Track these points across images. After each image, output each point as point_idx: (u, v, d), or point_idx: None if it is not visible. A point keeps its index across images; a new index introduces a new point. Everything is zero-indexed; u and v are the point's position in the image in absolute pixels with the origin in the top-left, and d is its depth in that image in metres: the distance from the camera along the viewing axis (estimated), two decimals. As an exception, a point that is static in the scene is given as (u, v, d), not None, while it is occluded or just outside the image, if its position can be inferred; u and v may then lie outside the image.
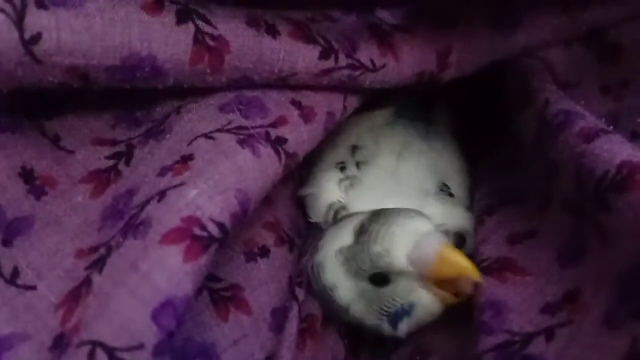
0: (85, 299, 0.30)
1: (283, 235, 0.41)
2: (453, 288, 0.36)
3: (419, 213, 0.38)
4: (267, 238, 0.39)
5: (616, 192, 0.29)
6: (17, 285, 0.32)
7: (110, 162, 0.37)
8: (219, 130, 0.35)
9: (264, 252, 0.39)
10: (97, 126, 0.39)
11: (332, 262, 0.38)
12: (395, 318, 0.37)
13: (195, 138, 0.35)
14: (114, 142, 0.38)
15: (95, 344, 0.27)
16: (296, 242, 0.42)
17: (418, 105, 0.50)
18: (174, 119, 0.37)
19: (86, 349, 0.27)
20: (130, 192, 0.34)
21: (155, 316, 0.27)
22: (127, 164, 0.37)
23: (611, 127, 0.33)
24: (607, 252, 0.30)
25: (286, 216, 0.43)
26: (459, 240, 0.42)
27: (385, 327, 0.38)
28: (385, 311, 0.37)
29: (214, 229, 0.30)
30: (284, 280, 0.39)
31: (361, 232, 0.37)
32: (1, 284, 0.32)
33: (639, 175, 0.28)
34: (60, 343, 0.30)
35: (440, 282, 0.36)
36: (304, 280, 0.40)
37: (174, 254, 0.29)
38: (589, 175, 0.31)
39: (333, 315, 0.41)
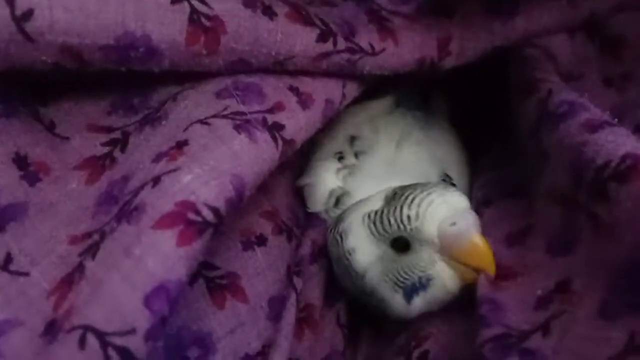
0: (78, 285, 0.30)
1: (281, 224, 0.41)
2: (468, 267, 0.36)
3: (457, 189, 0.37)
4: (265, 227, 0.39)
5: (617, 182, 0.29)
6: (10, 272, 0.31)
7: (106, 149, 0.37)
8: (214, 116, 0.34)
9: (262, 240, 0.38)
10: (93, 113, 0.38)
11: (357, 225, 0.38)
12: (411, 290, 0.37)
13: (191, 124, 0.34)
14: (110, 129, 0.38)
15: (86, 328, 0.27)
16: (294, 231, 0.42)
17: (417, 96, 0.50)
18: (170, 105, 0.37)
19: (77, 333, 0.27)
20: (125, 178, 0.34)
21: (148, 301, 0.27)
22: (123, 150, 0.36)
23: (616, 119, 0.33)
24: (601, 243, 0.30)
25: (285, 206, 0.42)
26: None
27: (398, 300, 0.37)
28: (402, 282, 0.37)
29: (208, 214, 0.30)
30: (282, 269, 0.39)
31: (393, 197, 0.37)
32: (-6, 270, 0.31)
33: None
34: (52, 329, 0.29)
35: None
36: (302, 269, 0.40)
37: (167, 239, 0.28)
38: (587, 163, 0.30)
39: (347, 284, 0.40)
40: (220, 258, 0.36)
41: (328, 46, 0.38)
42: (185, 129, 0.34)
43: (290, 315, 0.37)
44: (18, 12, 0.29)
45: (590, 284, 0.29)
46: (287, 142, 0.36)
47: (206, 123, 0.34)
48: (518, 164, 0.42)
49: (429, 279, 0.36)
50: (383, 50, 0.40)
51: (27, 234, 0.33)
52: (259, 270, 0.37)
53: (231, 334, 0.34)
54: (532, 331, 0.30)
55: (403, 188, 0.37)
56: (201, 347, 0.33)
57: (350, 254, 0.38)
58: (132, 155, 0.36)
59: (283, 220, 0.41)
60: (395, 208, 0.36)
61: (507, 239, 0.37)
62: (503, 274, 0.34)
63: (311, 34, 0.37)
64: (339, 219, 0.40)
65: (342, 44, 0.38)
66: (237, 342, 0.34)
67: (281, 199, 0.42)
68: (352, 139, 0.45)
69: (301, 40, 0.37)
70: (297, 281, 0.39)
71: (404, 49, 0.41)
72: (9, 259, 0.32)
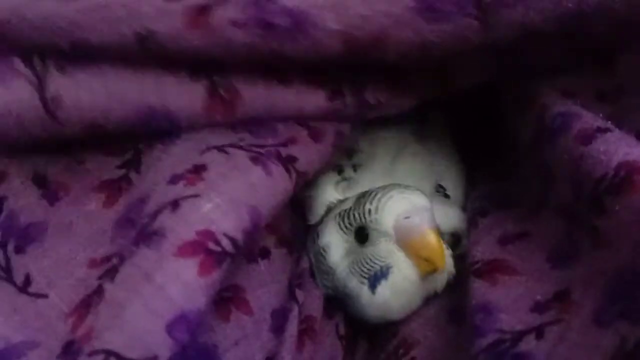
0: (97, 307, 0.30)
1: (283, 237, 0.42)
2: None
3: (421, 191, 0.40)
4: (268, 239, 0.40)
5: (613, 195, 0.29)
6: (29, 294, 0.32)
7: (122, 172, 0.37)
8: (232, 146, 0.35)
9: (265, 253, 0.39)
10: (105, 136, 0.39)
11: (331, 224, 0.41)
12: (374, 280, 0.39)
13: (208, 149, 0.35)
14: (123, 150, 0.38)
15: (108, 353, 0.27)
16: (295, 244, 0.43)
17: (414, 109, 0.51)
18: None
19: (99, 358, 0.27)
20: (141, 201, 0.35)
21: (170, 329, 0.28)
22: (137, 171, 0.37)
23: (609, 122, 0.34)
24: (600, 254, 0.31)
25: (286, 219, 0.43)
26: (455, 241, 0.43)
27: (365, 292, 0.39)
28: (366, 272, 0.39)
29: (227, 245, 0.31)
30: (283, 281, 0.40)
31: (362, 196, 0.40)
32: (13, 291, 0.32)
33: (636, 176, 0.29)
34: (70, 350, 0.30)
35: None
36: (303, 281, 0.41)
37: (189, 268, 0.29)
38: (586, 178, 0.31)
39: (326, 283, 0.42)
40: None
41: (337, 104, 0.39)
42: (202, 153, 0.35)
43: (292, 327, 0.38)
44: (48, 96, 0.31)
45: (587, 294, 0.30)
46: (301, 174, 0.37)
47: (224, 151, 0.35)
48: (515, 177, 0.43)
49: (388, 268, 0.38)
50: (389, 101, 0.41)
51: (46, 255, 0.33)
52: (263, 282, 0.38)
53: (236, 345, 0.35)
54: (526, 332, 0.31)
55: (373, 189, 0.40)
56: None
57: (324, 251, 0.41)
58: (146, 175, 0.36)
59: (284, 233, 0.42)
60: (360, 204, 0.39)
61: (500, 239, 0.38)
62: (498, 267, 0.36)
63: (322, 95, 0.39)
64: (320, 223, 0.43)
65: (350, 100, 0.40)
66: (242, 354, 0.35)
67: (283, 212, 0.43)
68: (350, 152, 0.47)
69: (312, 102, 0.39)
70: (299, 294, 0.40)
71: (409, 97, 0.42)
72: (27, 280, 0.32)
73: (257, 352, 0.36)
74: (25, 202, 0.34)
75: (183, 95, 0.34)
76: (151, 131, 0.35)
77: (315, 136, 0.39)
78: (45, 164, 0.36)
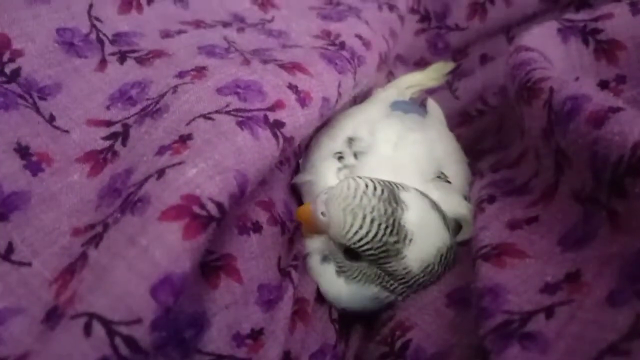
0: (81, 273, 0.30)
1: (276, 216, 0.41)
2: None
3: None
4: (261, 215, 0.40)
5: (632, 177, 0.29)
6: (12, 262, 0.32)
7: (107, 143, 0.37)
8: (217, 112, 0.35)
9: (257, 227, 0.39)
10: (92, 107, 0.39)
11: None
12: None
13: (194, 118, 0.35)
14: (110, 123, 0.38)
15: (91, 316, 0.27)
16: (288, 226, 0.43)
17: (413, 100, 0.52)
18: (170, 98, 0.37)
19: (82, 320, 0.27)
20: (128, 172, 0.34)
21: (154, 292, 0.27)
22: (124, 144, 0.37)
23: (620, 100, 0.33)
24: (618, 237, 0.30)
25: (280, 200, 0.43)
26: (455, 227, 0.43)
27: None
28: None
29: (212, 209, 0.30)
30: (273, 259, 0.39)
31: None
32: (-5, 259, 0.31)
33: None
34: (53, 315, 0.30)
35: None
36: (298, 264, 0.41)
37: (173, 231, 0.29)
38: (603, 162, 0.31)
39: None
40: (215, 243, 0.36)
41: None
42: (189, 123, 0.35)
43: (287, 308, 0.37)
44: None
45: (600, 276, 0.30)
46: (287, 140, 0.36)
47: (209, 118, 0.34)
48: (523, 165, 0.42)
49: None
50: None
51: (30, 224, 0.33)
52: (253, 255, 0.38)
53: (226, 309, 0.35)
54: (535, 312, 0.30)
55: None
56: (195, 327, 0.33)
57: None
58: (134, 148, 0.36)
59: (278, 213, 0.42)
60: None
61: (509, 224, 0.38)
62: (507, 251, 0.35)
63: None
64: None
65: None
66: (231, 319, 0.35)
67: (277, 193, 0.43)
68: (351, 140, 0.46)
69: None
70: (295, 275, 0.39)
71: None
72: (10, 248, 0.32)
73: (244, 321, 0.35)
74: (7, 171, 0.34)
75: None
76: None
77: (303, 101, 0.39)
78: (28, 135, 0.35)
